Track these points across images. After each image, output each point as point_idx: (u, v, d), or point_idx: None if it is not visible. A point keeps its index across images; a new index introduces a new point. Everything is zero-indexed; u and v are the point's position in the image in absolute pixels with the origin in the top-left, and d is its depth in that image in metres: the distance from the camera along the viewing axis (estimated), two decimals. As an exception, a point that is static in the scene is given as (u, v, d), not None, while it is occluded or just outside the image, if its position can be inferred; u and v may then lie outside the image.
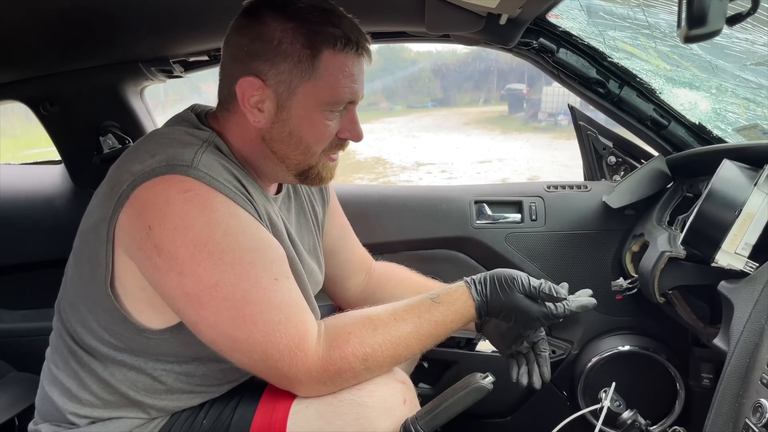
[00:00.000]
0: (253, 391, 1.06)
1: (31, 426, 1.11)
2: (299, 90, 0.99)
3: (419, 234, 1.75)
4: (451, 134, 15.91)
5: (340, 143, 1.07)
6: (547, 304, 1.05)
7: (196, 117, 1.07)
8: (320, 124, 1.02)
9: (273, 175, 1.10)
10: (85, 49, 1.55)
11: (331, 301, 1.48)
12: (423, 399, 1.07)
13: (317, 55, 0.97)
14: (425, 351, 1.04)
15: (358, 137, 1.07)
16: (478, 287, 1.05)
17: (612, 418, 1.44)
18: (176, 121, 1.07)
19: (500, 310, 1.05)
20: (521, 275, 1.06)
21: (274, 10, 0.98)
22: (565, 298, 1.06)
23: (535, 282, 1.05)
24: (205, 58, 1.75)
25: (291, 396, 0.98)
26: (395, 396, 1.00)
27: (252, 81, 0.98)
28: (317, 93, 0.99)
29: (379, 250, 1.48)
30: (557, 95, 15.25)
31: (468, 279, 1.07)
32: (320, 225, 1.31)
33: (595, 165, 1.81)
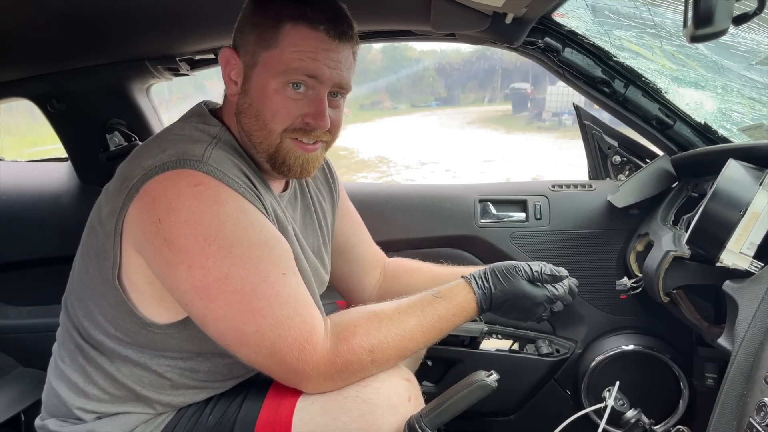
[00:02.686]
0: (259, 387, 1.07)
1: (37, 421, 1.12)
2: (260, 59, 1.00)
3: (423, 232, 1.76)
4: (455, 133, 15.91)
5: (303, 126, 1.03)
6: (548, 286, 1.08)
7: (209, 111, 1.09)
8: (276, 97, 1.00)
9: (264, 165, 1.08)
10: (92, 47, 1.56)
11: (342, 299, 1.49)
12: (427, 397, 1.07)
13: (278, 26, 0.98)
14: (430, 345, 1.05)
15: (319, 124, 1.02)
16: (479, 281, 1.06)
17: (615, 417, 1.45)
18: (188, 116, 1.09)
19: (504, 301, 1.05)
20: (521, 263, 1.08)
21: None
22: (567, 276, 1.09)
23: (535, 266, 1.08)
24: (211, 56, 1.76)
25: (296, 392, 0.99)
26: (400, 393, 1.00)
27: (230, 52, 1.03)
28: (273, 62, 0.99)
29: (383, 248, 1.49)
30: (561, 95, 15.24)
31: (467, 275, 1.09)
32: (328, 225, 1.31)
33: (599, 164, 1.81)
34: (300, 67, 0.98)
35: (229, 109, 1.08)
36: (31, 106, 1.76)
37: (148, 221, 0.92)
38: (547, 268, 1.08)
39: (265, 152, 1.04)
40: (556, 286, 1.09)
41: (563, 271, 1.09)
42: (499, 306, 1.06)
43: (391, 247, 1.63)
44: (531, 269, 1.07)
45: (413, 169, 10.69)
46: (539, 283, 1.07)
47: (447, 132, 16.22)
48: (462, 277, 1.08)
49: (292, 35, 0.98)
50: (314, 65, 0.99)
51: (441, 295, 1.04)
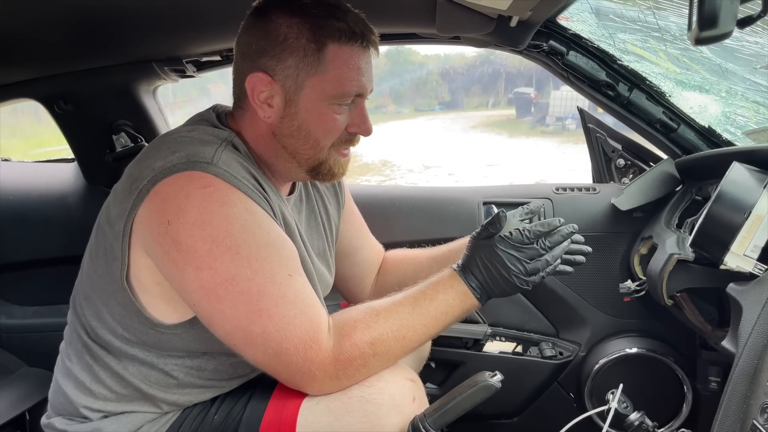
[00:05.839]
0: (265, 387, 1.07)
1: (44, 420, 1.12)
2: (306, 84, 1.01)
3: (427, 234, 1.76)
4: (459, 137, 15.92)
5: (349, 138, 1.08)
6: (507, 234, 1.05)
7: (217, 117, 1.09)
8: (328, 117, 1.03)
9: (286, 173, 1.11)
10: (100, 49, 1.57)
11: (344, 300, 1.49)
12: (430, 399, 1.07)
13: (322, 48, 0.99)
14: (432, 335, 1.04)
15: (367, 131, 1.08)
16: (459, 262, 1.08)
17: (619, 420, 1.44)
18: (197, 120, 1.10)
19: (481, 260, 1.04)
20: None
21: (281, 7, 1.01)
22: (534, 209, 1.15)
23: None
24: (218, 58, 1.77)
25: (302, 393, 0.99)
26: (404, 394, 1.00)
27: (260, 76, 1.01)
28: (324, 86, 1.01)
29: (387, 250, 1.50)
30: (565, 99, 15.23)
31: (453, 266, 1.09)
32: (333, 228, 1.32)
33: (603, 167, 1.81)
34: (351, 90, 1.02)
35: (252, 125, 1.07)
36: (35, 108, 1.77)
37: (158, 222, 0.92)
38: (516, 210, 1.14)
39: (309, 165, 1.08)
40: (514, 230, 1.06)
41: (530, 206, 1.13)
42: (483, 269, 1.04)
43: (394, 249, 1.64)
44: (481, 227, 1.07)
45: (416, 172, 10.70)
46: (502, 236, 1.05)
47: (450, 136, 16.23)
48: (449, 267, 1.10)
49: (339, 56, 1.00)
50: (361, 83, 1.03)
51: (429, 281, 1.06)
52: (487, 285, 1.05)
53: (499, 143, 14.41)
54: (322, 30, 0.99)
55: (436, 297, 1.03)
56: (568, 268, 1.14)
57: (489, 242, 1.05)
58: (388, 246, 1.51)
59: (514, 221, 1.30)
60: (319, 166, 1.08)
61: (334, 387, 0.97)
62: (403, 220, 1.77)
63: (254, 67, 1.01)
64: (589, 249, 1.17)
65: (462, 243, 1.38)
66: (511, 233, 1.05)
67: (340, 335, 0.95)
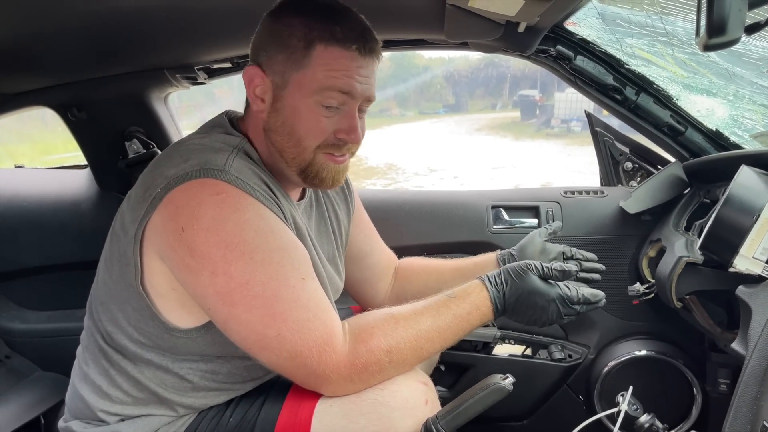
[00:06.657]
0: (279, 389, 1.09)
1: (61, 423, 1.14)
2: (291, 80, 1.02)
3: (436, 238, 1.77)
4: (463, 140, 15.92)
5: (336, 142, 1.06)
6: (560, 284, 1.08)
7: (229, 122, 1.11)
8: (310, 115, 1.03)
9: (285, 174, 1.11)
10: (113, 57, 1.59)
11: (357, 305, 1.50)
12: (441, 402, 1.08)
13: (309, 47, 1.00)
14: (447, 346, 1.05)
15: (354, 139, 1.06)
16: (492, 280, 1.07)
17: (629, 422, 1.45)
18: (209, 126, 1.11)
19: (517, 298, 1.06)
20: (533, 261, 1.09)
21: (290, 9, 1.03)
22: (577, 271, 1.10)
23: (546, 263, 1.09)
24: (229, 65, 1.79)
25: (316, 395, 1.00)
26: (417, 397, 1.01)
27: (255, 70, 1.04)
28: (306, 82, 1.01)
29: (396, 254, 1.51)
30: (570, 101, 15.24)
31: (482, 276, 1.10)
32: (343, 233, 1.33)
33: (611, 171, 1.82)
34: (334, 86, 1.01)
35: (253, 122, 1.09)
36: (42, 113, 1.79)
37: (172, 229, 0.94)
38: (557, 264, 1.09)
39: (297, 167, 1.07)
40: (569, 285, 1.09)
41: (572, 266, 1.10)
42: (513, 304, 1.06)
43: (404, 253, 1.65)
44: (542, 265, 1.08)
45: (422, 176, 10.70)
46: (551, 281, 1.08)
47: (455, 139, 16.23)
48: (477, 278, 1.10)
49: (324, 56, 1.00)
50: (347, 82, 1.02)
51: (455, 295, 1.06)
52: (513, 311, 1.07)
53: (504, 146, 14.40)
54: (313, 30, 1.00)
55: (459, 310, 1.03)
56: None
57: (545, 285, 1.07)
58: (397, 250, 1.52)
59: (538, 240, 1.37)
60: (306, 169, 1.07)
61: (349, 389, 0.98)
62: (411, 224, 1.78)
63: (251, 61, 1.06)
64: (603, 269, 1.30)
65: (487, 258, 1.40)
66: (568, 289, 1.09)
67: (357, 340, 0.96)
